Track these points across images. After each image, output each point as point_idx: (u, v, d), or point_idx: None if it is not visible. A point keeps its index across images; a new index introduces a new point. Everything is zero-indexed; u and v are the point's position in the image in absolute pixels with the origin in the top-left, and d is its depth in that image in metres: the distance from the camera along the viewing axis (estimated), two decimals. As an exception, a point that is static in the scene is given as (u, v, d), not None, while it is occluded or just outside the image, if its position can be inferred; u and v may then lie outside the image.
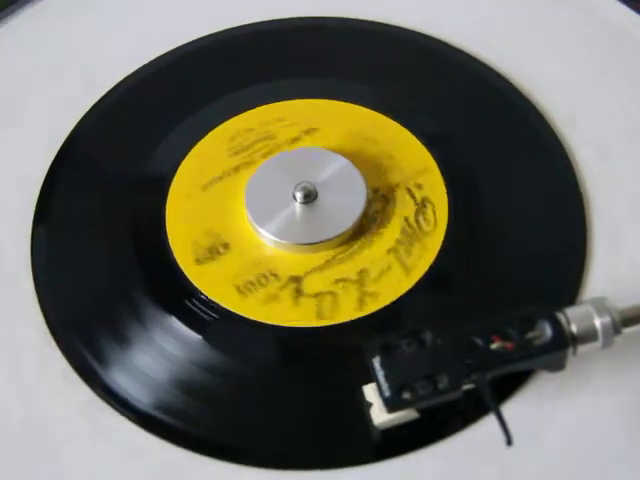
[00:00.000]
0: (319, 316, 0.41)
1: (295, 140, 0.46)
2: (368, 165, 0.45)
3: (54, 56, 0.51)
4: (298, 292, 0.42)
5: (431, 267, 0.42)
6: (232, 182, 0.45)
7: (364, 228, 0.43)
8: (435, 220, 0.44)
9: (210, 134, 0.47)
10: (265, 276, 0.42)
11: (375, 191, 0.44)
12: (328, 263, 0.43)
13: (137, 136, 0.48)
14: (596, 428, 0.39)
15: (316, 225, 0.43)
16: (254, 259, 0.43)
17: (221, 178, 0.45)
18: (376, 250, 0.43)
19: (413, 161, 0.45)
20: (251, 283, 0.42)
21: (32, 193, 0.46)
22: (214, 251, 0.43)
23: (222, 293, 0.42)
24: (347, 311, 0.41)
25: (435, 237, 0.43)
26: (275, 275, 0.42)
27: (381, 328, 0.41)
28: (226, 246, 0.43)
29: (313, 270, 0.42)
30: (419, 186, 0.45)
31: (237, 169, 0.45)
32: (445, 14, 0.52)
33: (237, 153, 0.46)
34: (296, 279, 0.42)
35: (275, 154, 0.45)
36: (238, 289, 0.42)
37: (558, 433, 0.39)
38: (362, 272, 0.42)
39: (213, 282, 0.42)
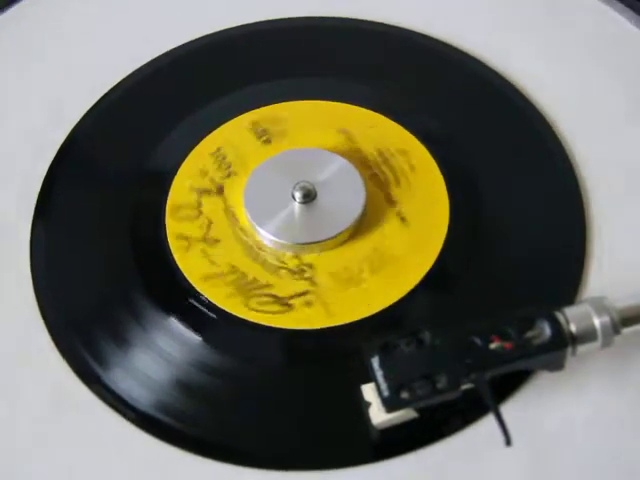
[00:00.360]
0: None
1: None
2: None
3: (55, 53, 0.51)
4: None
5: (432, 267, 0.42)
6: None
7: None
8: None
9: (212, 134, 0.47)
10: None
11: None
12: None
13: (137, 135, 0.48)
14: (596, 428, 0.39)
15: (315, 225, 0.43)
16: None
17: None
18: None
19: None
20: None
21: (32, 192, 0.46)
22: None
23: (222, 295, 0.42)
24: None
25: (436, 236, 0.43)
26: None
27: (382, 328, 0.41)
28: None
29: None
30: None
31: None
32: (445, 14, 0.52)
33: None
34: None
35: (274, 154, 0.45)
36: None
37: (557, 433, 0.39)
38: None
39: (212, 284, 0.42)
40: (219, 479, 0.39)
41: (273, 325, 0.41)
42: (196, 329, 0.41)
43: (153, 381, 0.41)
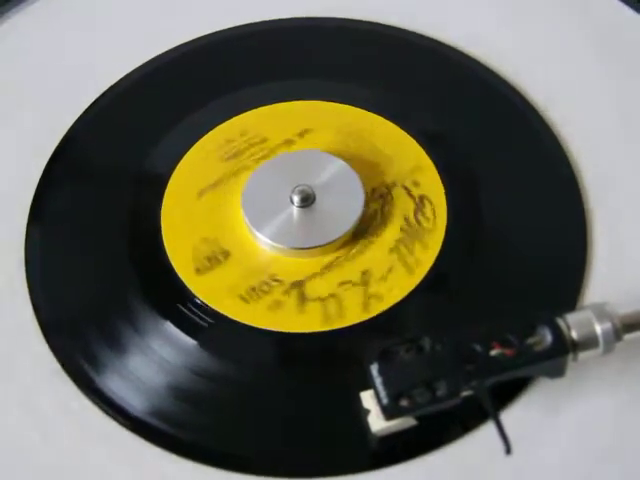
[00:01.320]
0: (324, 320, 0.41)
1: (289, 142, 0.46)
2: (364, 166, 0.45)
3: (52, 54, 0.51)
4: (302, 297, 0.41)
5: (432, 268, 0.42)
6: (229, 185, 0.45)
7: (363, 230, 0.43)
8: (434, 217, 0.43)
9: (207, 136, 0.46)
10: (267, 282, 0.42)
11: (372, 191, 0.44)
12: (329, 266, 0.42)
13: (133, 136, 0.47)
14: (596, 435, 0.39)
15: (314, 229, 0.43)
16: (254, 265, 0.43)
17: (218, 182, 0.45)
18: (377, 251, 0.43)
19: (410, 161, 0.45)
20: (252, 290, 0.42)
21: (27, 194, 0.46)
22: (212, 259, 0.43)
23: (220, 298, 0.42)
24: (345, 315, 0.41)
25: (436, 234, 0.43)
26: (277, 280, 0.42)
27: (380, 333, 0.41)
28: (225, 253, 0.43)
29: (314, 274, 0.42)
30: (416, 184, 0.44)
31: (234, 173, 0.45)
32: (444, 14, 0.52)
33: (234, 156, 0.46)
34: (298, 284, 0.42)
35: (271, 157, 0.45)
36: (241, 296, 0.42)
37: (558, 440, 0.39)
38: (365, 274, 0.42)
39: (211, 288, 0.42)
40: (214, 485, 0.39)
41: (269, 328, 0.41)
42: (192, 332, 0.41)
43: (148, 386, 0.40)
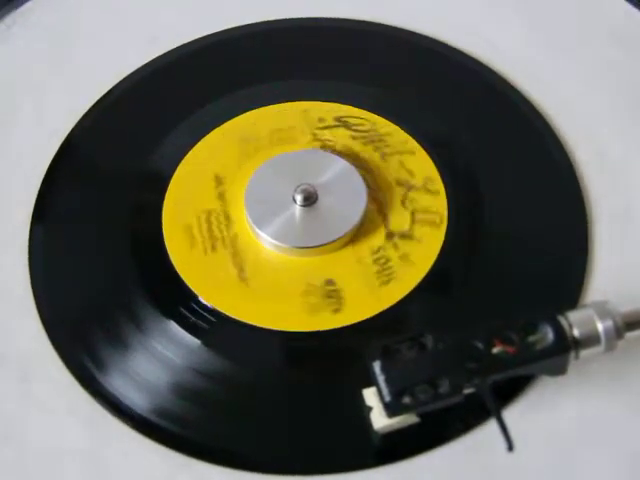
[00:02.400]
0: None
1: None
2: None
3: (54, 54, 0.51)
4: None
5: (432, 269, 0.42)
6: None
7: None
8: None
9: (208, 136, 0.47)
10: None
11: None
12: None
13: (135, 136, 0.47)
14: (598, 432, 0.39)
15: (316, 228, 0.43)
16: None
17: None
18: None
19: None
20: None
21: (30, 194, 0.46)
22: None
23: (221, 297, 0.42)
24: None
25: (436, 237, 0.43)
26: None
27: (383, 331, 0.41)
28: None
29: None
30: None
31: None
32: (445, 14, 0.52)
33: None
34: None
35: (273, 156, 0.45)
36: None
37: (560, 437, 0.39)
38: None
39: (211, 286, 0.42)
40: (218, 483, 0.39)
41: (272, 328, 0.41)
42: (195, 332, 0.41)
43: (152, 384, 0.40)
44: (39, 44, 0.52)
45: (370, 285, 0.42)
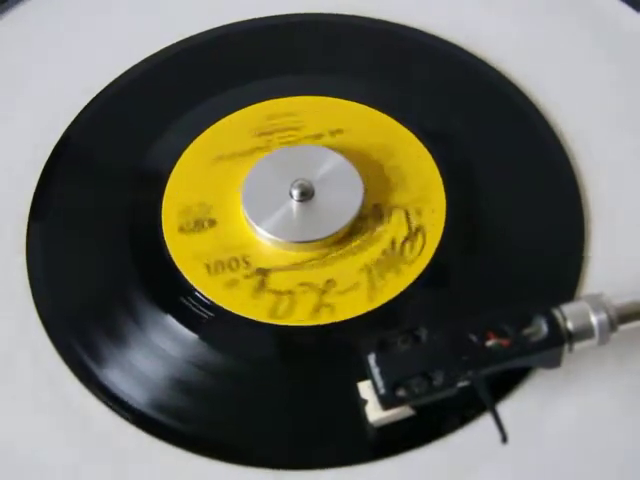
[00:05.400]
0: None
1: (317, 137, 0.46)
2: (374, 175, 0.45)
3: (49, 52, 0.51)
4: (261, 285, 0.42)
5: (429, 264, 0.42)
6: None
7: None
8: (421, 249, 0.43)
9: (204, 133, 0.47)
10: (236, 260, 0.42)
11: (374, 207, 0.44)
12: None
13: (132, 134, 0.48)
14: (594, 425, 0.39)
15: (313, 223, 0.43)
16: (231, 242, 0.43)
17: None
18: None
19: (418, 176, 0.45)
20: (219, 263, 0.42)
21: (28, 191, 0.46)
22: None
23: (220, 291, 0.42)
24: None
25: (434, 233, 0.43)
26: (246, 262, 0.42)
27: (379, 325, 0.41)
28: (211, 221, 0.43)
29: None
30: (419, 212, 0.44)
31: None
32: (440, 8, 0.52)
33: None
34: (263, 271, 0.42)
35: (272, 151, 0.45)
36: (206, 265, 0.42)
37: (556, 430, 0.39)
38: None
39: (210, 284, 0.42)
40: (215, 478, 0.39)
41: (270, 322, 0.41)
42: (193, 326, 0.41)
43: (150, 379, 0.40)
44: (35, 41, 0.52)
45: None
